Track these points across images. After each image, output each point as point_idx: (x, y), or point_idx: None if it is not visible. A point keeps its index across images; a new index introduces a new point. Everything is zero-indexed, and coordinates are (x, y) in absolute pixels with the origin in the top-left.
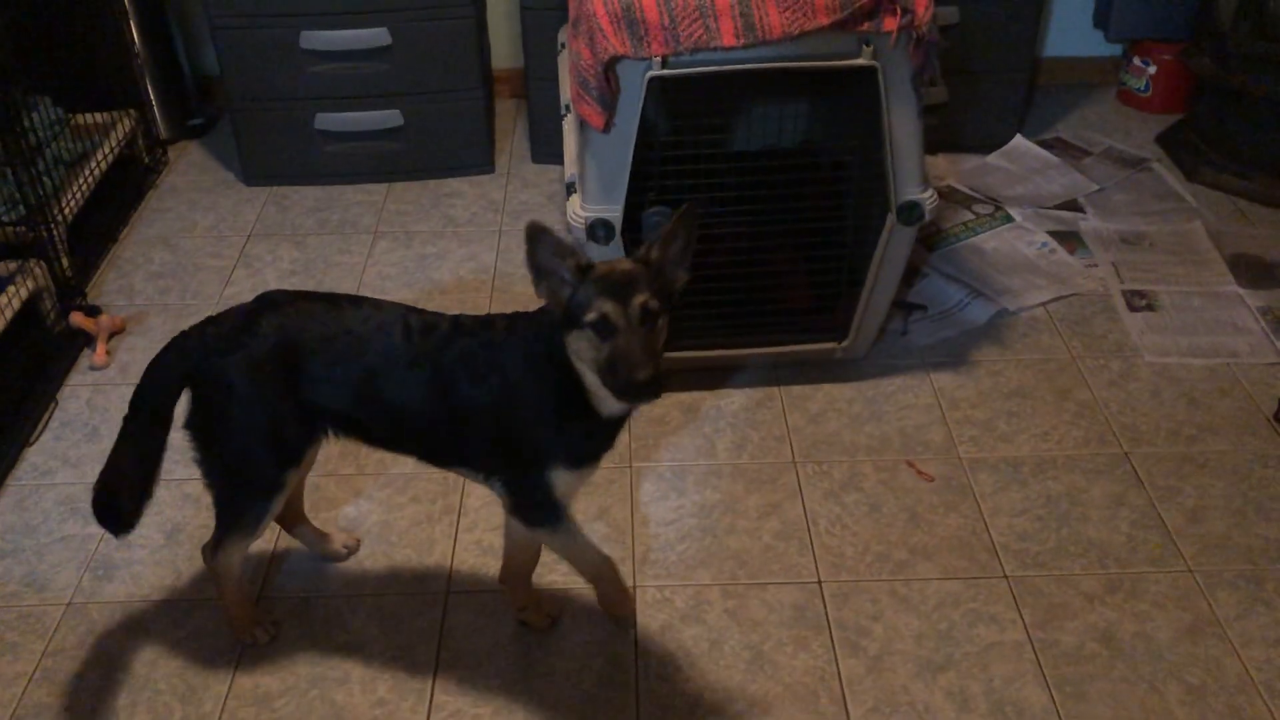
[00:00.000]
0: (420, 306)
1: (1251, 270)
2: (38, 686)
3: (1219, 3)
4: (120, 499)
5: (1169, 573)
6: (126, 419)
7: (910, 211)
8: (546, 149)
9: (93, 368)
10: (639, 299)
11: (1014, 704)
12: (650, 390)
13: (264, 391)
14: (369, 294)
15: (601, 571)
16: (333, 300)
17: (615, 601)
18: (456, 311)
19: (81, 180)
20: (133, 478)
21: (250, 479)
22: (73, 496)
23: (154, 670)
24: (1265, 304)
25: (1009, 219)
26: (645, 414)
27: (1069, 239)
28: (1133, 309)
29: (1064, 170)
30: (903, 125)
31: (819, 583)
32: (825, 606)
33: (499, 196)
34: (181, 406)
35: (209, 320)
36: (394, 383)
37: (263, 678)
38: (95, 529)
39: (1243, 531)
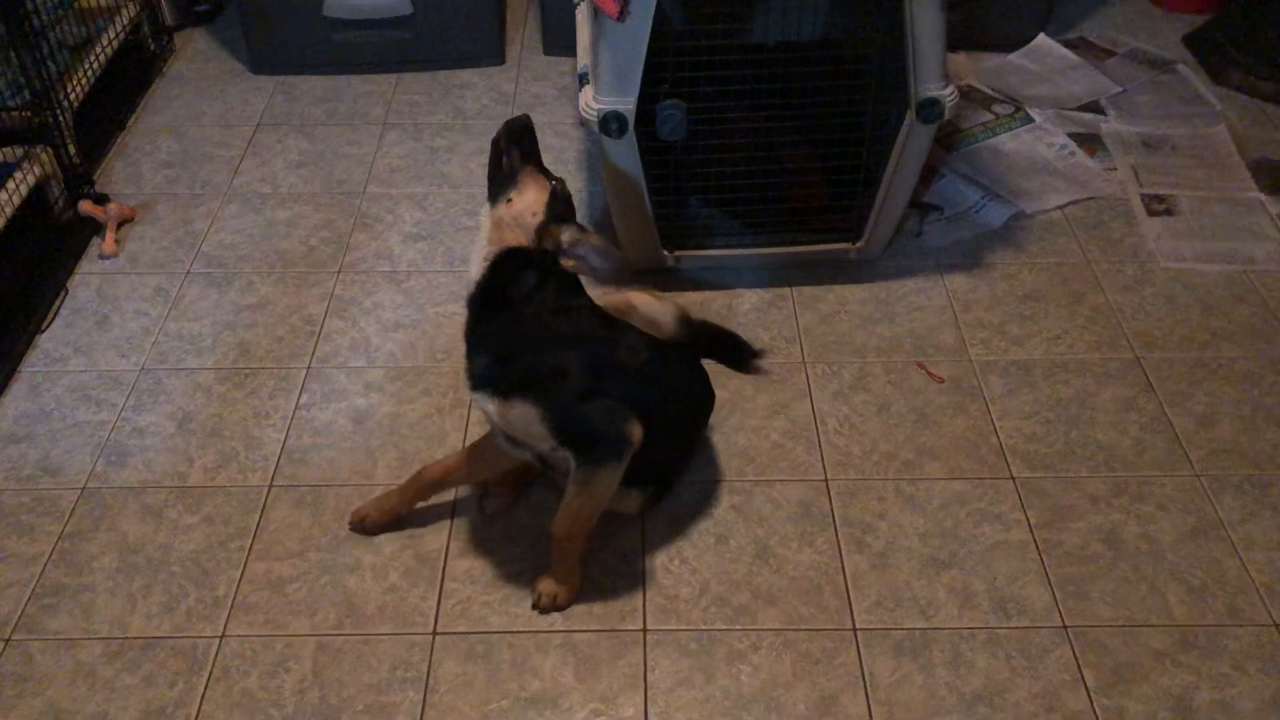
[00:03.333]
0: (429, 198)
1: (1274, 176)
2: (55, 567)
3: None
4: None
5: (1175, 476)
6: None
7: (930, 109)
8: (558, 40)
9: (102, 256)
10: None
11: (1016, 601)
12: None
13: None
14: (377, 187)
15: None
16: None
17: (564, 573)
18: (462, 203)
19: (87, 66)
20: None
21: None
22: (84, 384)
23: (168, 554)
24: None
25: (1029, 120)
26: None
27: (1089, 141)
28: (1151, 213)
29: (1087, 71)
30: (925, 18)
31: (826, 481)
32: (831, 504)
33: (510, 88)
34: None
35: None
36: None
37: (274, 563)
38: (108, 415)
39: (1251, 437)
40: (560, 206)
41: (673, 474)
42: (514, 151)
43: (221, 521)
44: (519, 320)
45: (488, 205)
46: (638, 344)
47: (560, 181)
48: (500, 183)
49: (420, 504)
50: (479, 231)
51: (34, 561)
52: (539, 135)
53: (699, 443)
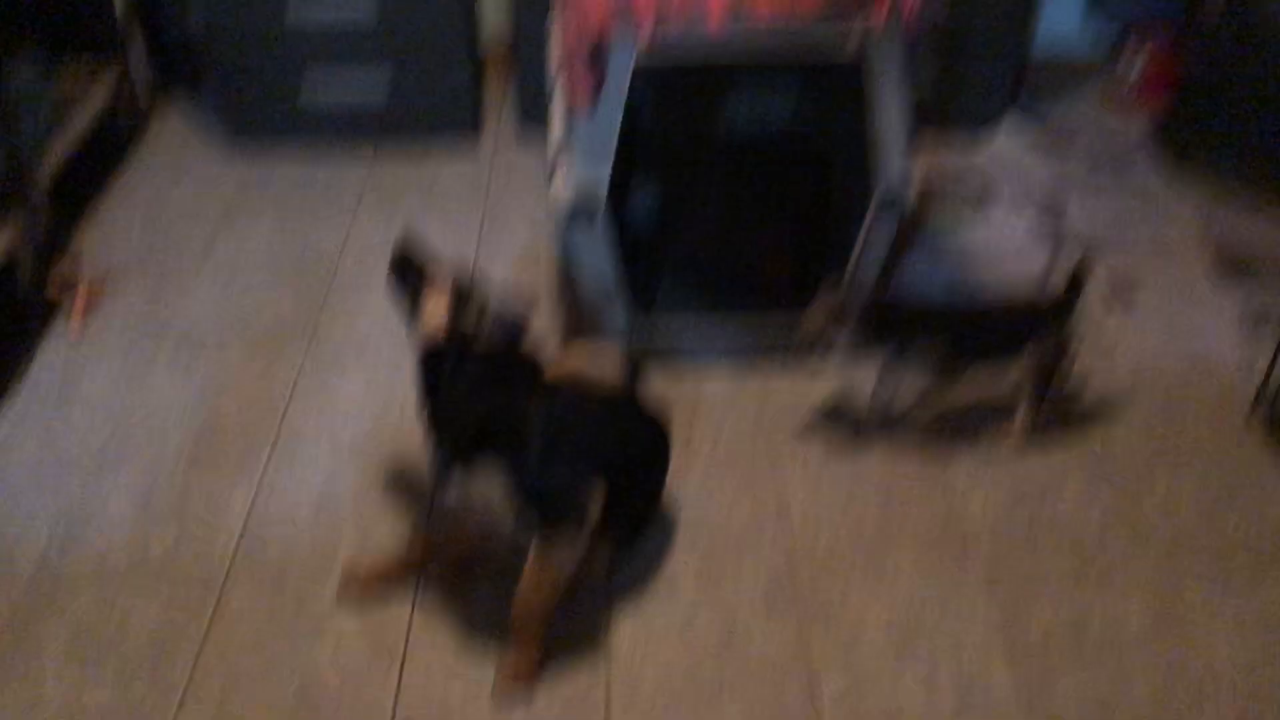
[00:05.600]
0: None
1: (1232, 265)
2: (3, 648)
3: None
4: None
5: (1139, 564)
6: None
7: (894, 199)
8: (534, 122)
9: (69, 331)
10: None
11: (981, 689)
12: None
13: None
14: (349, 266)
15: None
16: None
17: (524, 659)
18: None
19: (61, 144)
20: None
21: None
22: (43, 461)
23: (122, 636)
24: (1244, 299)
25: (992, 206)
26: None
27: (1049, 231)
28: (1112, 303)
29: (1049, 158)
30: (888, 114)
31: (792, 564)
32: (798, 587)
33: (485, 164)
34: None
35: None
36: None
37: (232, 646)
38: (67, 493)
39: (1213, 524)
40: (462, 297)
41: (637, 530)
42: (408, 274)
43: (179, 602)
44: (462, 401)
45: (407, 326)
46: (583, 396)
47: (456, 275)
48: (410, 304)
49: (409, 573)
50: (412, 345)
51: None
52: (509, 220)
53: (661, 494)
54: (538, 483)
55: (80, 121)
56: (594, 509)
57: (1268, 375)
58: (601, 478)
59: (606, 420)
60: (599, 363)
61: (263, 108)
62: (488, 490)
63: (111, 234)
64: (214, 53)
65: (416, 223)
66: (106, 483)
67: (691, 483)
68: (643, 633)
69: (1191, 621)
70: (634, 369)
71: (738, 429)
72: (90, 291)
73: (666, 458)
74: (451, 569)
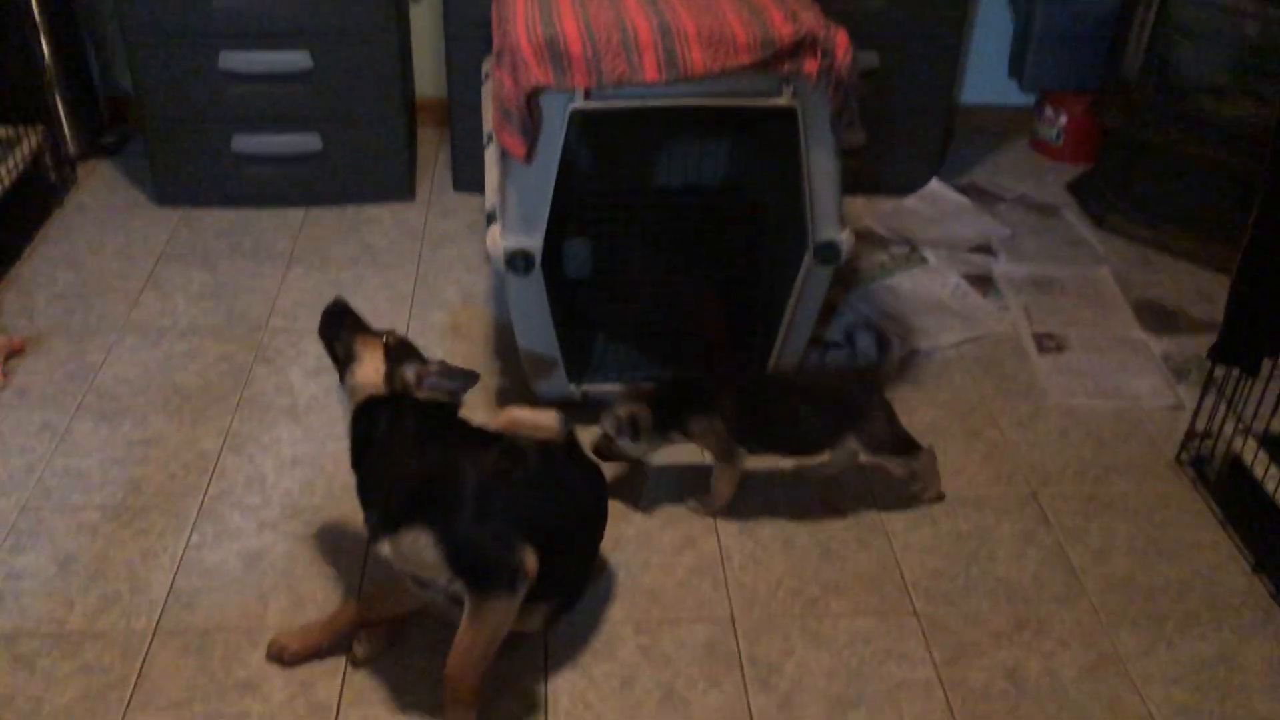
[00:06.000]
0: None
1: (1155, 317)
2: None
3: (1126, 57)
4: None
5: (1074, 611)
6: None
7: (827, 251)
8: (468, 178)
9: None
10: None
11: None
12: None
13: None
14: (280, 321)
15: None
16: None
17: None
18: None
19: None
20: None
21: None
22: None
23: (39, 707)
24: (1167, 350)
25: (923, 261)
26: None
27: (981, 282)
28: (1042, 350)
29: (978, 215)
30: (821, 166)
31: (732, 619)
32: (738, 643)
33: (419, 224)
34: None
35: None
36: None
37: (156, 715)
38: None
39: (1145, 571)
40: (396, 353)
41: (576, 584)
42: (340, 333)
43: (100, 670)
44: (393, 459)
45: (339, 387)
46: (518, 449)
47: (389, 332)
48: (342, 362)
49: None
50: (343, 405)
51: None
52: (450, 271)
53: (598, 547)
54: (468, 547)
55: (6, 174)
56: (527, 572)
57: (1192, 423)
58: (535, 541)
59: (541, 481)
60: (534, 419)
61: (192, 166)
62: (419, 552)
63: (34, 288)
64: (143, 110)
65: (350, 279)
66: (26, 543)
67: (629, 539)
68: (582, 690)
69: (1126, 668)
70: (570, 429)
71: (677, 481)
72: (10, 343)
73: (603, 516)
74: (384, 631)
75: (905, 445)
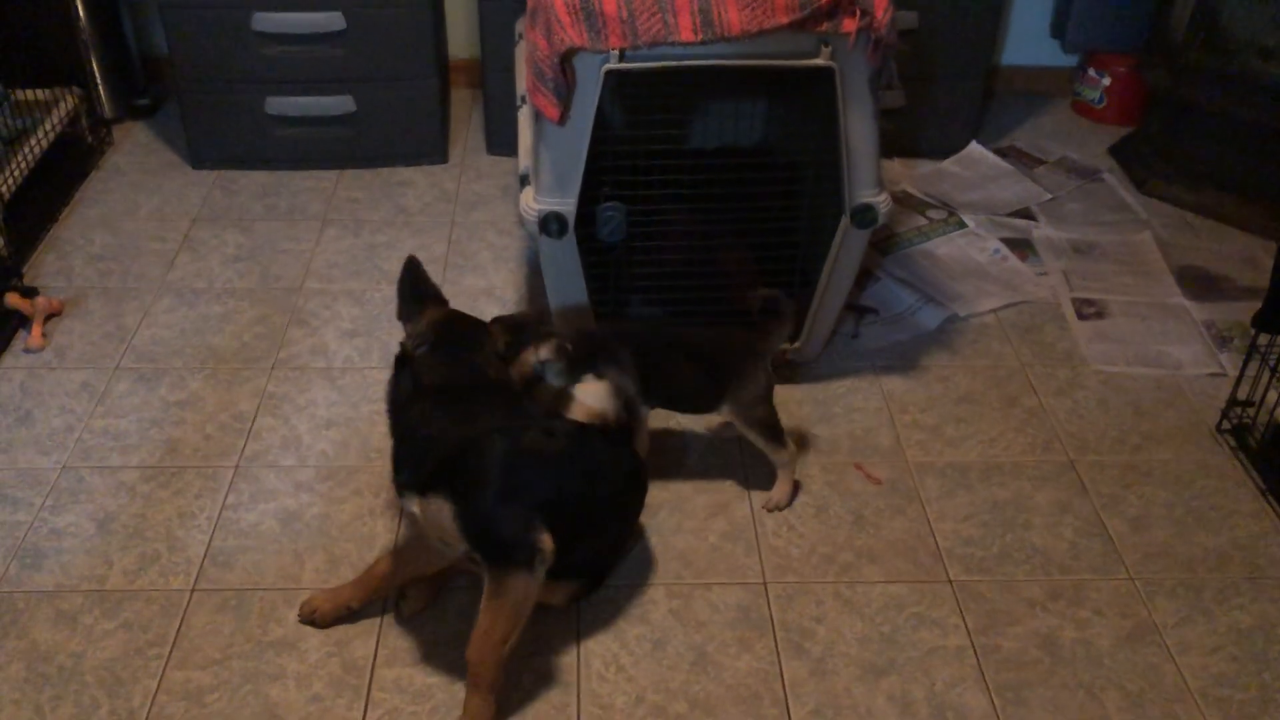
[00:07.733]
0: (367, 294)
1: (1198, 283)
2: None
3: (1173, 17)
4: None
5: (1111, 580)
6: None
7: (864, 215)
8: (501, 140)
9: (27, 350)
10: None
11: (955, 709)
12: None
13: None
14: (314, 283)
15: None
16: None
17: (479, 706)
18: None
19: (21, 158)
20: None
21: None
22: (1, 482)
23: (80, 663)
24: (1209, 317)
25: (962, 225)
26: None
27: (1020, 246)
28: (1082, 317)
29: (1017, 178)
30: (859, 127)
31: (764, 584)
32: (770, 608)
33: (452, 187)
34: None
35: None
36: None
37: (194, 672)
38: (25, 515)
39: (1183, 541)
40: (458, 321)
41: (604, 563)
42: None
43: (140, 627)
44: (425, 427)
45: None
46: (551, 427)
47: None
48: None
49: (374, 599)
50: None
51: None
52: (482, 234)
53: (632, 529)
54: (488, 524)
55: (43, 136)
56: (546, 553)
57: (1234, 391)
58: (557, 521)
59: (570, 461)
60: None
61: (226, 128)
62: (441, 520)
63: (71, 250)
64: (178, 74)
65: (383, 242)
66: (66, 503)
67: (662, 503)
68: (614, 653)
69: (1163, 638)
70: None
71: (710, 447)
72: (49, 304)
73: (636, 500)
74: (418, 592)
75: (771, 430)
